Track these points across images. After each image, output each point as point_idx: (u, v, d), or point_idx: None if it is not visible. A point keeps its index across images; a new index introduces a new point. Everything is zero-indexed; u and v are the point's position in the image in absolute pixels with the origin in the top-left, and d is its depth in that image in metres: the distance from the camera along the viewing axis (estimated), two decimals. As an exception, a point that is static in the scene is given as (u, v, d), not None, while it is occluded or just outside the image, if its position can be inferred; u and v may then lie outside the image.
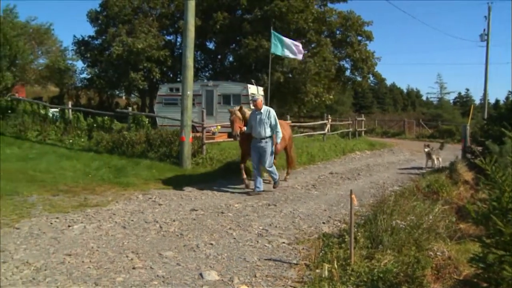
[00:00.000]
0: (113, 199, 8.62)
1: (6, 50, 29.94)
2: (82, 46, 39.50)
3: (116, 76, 36.37)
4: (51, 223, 6.94)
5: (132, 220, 7.21)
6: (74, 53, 39.32)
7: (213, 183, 10.79)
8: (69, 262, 5.29)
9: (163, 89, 26.58)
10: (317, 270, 4.96)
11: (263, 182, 10.32)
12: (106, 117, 16.25)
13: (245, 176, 10.20)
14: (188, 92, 12.29)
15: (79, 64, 66.04)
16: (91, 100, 43.39)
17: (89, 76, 39.26)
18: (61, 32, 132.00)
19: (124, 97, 47.37)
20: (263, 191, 9.85)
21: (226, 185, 10.59)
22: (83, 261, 5.31)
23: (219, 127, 19.54)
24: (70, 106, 18.40)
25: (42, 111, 18.05)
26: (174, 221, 7.23)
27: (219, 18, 34.07)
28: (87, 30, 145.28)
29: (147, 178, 10.77)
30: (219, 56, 39.93)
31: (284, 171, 12.10)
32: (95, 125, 15.91)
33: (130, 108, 20.24)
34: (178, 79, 34.63)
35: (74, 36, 39.86)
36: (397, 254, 5.16)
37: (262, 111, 9.70)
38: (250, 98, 24.52)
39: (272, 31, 21.43)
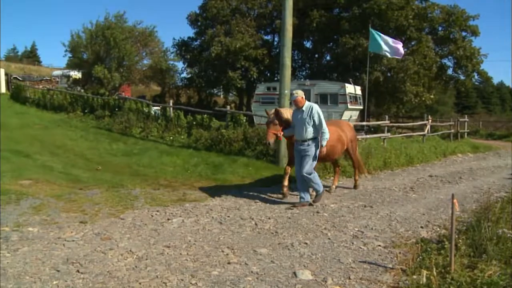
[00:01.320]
0: (210, 195, 8.86)
1: (115, 53, 31.89)
2: (183, 47, 41.09)
3: (215, 75, 37.43)
4: (152, 216, 7.29)
5: (228, 216, 7.36)
6: (175, 54, 40.95)
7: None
8: (167, 253, 5.51)
9: (261, 88, 26.94)
10: (414, 276, 4.76)
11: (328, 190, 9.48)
12: (205, 115, 16.74)
13: (286, 183, 8.98)
14: (286, 91, 12.33)
15: (180, 65, 68.70)
16: (190, 98, 44.92)
17: (189, 76, 40.74)
18: (163, 34, 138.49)
19: (222, 96, 48.59)
20: (309, 203, 8.32)
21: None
22: (180, 253, 5.51)
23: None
24: (171, 104, 19.16)
25: (146, 109, 18.98)
26: (269, 218, 7.29)
27: (316, 17, 33.84)
28: (187, 31, 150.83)
29: (244, 176, 10.95)
30: (316, 55, 39.71)
31: (346, 179, 11.64)
32: (194, 123, 16.45)
33: (228, 107, 20.73)
34: (276, 78, 34.90)
35: (174, 38, 41.45)
36: (503, 266, 4.81)
37: (303, 108, 8.30)
38: (347, 97, 24.21)
39: (370, 29, 20.95)
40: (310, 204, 8.30)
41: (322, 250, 5.76)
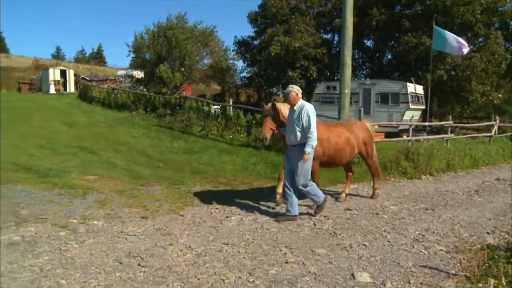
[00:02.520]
0: (269, 194, 8.88)
1: (176, 52, 32.59)
2: (242, 46, 41.44)
3: (274, 74, 37.53)
4: (211, 213, 7.40)
5: (287, 215, 7.36)
6: (235, 53, 41.35)
7: (368, 183, 10.55)
8: (226, 250, 5.58)
9: (320, 87, 26.76)
10: (479, 285, 4.57)
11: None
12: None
13: (280, 190, 8.02)
14: (346, 91, 12.18)
15: (240, 64, 69.33)
16: (250, 97, 45.20)
17: (248, 75, 41.06)
18: (224, 33, 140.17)
19: (281, 95, 48.60)
20: (297, 216, 7.17)
21: (381, 186, 10.28)
22: (239, 251, 5.56)
23: (376, 126, 19.06)
24: (231, 103, 19.35)
25: (206, 108, 19.28)
26: (328, 219, 7.23)
27: (376, 15, 33.11)
28: (247, 30, 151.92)
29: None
30: (377, 54, 38.94)
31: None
32: (254, 121, 16.53)
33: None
34: (335, 78, 34.57)
35: (235, 36, 41.97)
36: None
37: (295, 107, 7.15)
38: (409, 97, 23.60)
39: (434, 26, 20.33)
40: (297, 216, 7.19)
41: (381, 253, 5.65)
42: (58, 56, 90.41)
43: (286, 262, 5.20)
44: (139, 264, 5.04)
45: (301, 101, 7.20)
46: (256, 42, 41.23)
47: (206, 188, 9.34)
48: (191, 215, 7.20)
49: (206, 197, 8.50)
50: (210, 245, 5.77)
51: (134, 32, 47.28)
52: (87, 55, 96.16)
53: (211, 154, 13.42)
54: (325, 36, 39.45)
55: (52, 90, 37.39)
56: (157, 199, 8.19)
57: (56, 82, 38.66)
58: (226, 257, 5.35)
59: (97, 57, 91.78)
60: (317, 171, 8.03)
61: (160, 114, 21.16)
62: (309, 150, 6.91)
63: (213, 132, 17.23)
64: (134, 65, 38.99)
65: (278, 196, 8.03)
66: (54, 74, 39.22)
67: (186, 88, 36.13)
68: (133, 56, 36.67)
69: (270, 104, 7.70)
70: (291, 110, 7.22)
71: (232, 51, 40.50)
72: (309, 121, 6.93)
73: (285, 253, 5.52)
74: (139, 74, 38.77)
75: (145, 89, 31.52)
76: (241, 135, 16.23)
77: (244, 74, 42.32)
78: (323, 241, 6.08)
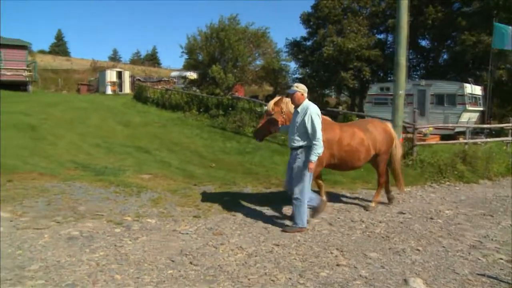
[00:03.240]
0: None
1: (229, 54, 32.90)
2: (295, 47, 41.35)
3: (327, 75, 37.23)
4: (263, 214, 7.44)
5: (339, 218, 7.29)
6: (287, 55, 41.33)
7: (422, 186, 10.30)
8: (277, 251, 5.59)
9: (374, 89, 26.35)
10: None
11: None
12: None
13: (322, 196, 7.79)
14: (400, 92, 11.93)
15: (292, 65, 69.21)
16: (302, 99, 45.02)
17: (301, 76, 40.90)
18: (276, 34, 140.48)
19: (333, 96, 48.18)
20: (305, 227, 6.59)
21: (436, 190, 10.02)
22: (289, 252, 5.56)
23: (431, 128, 18.59)
24: (283, 104, 19.32)
25: (258, 109, 19.34)
26: (380, 222, 7.11)
27: (431, 13, 32.13)
28: (300, 31, 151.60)
29: (355, 177, 10.75)
30: (432, 54, 37.90)
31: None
32: (305, 122, 16.41)
33: (340, 107, 20.52)
34: (389, 78, 33.92)
35: (287, 38, 41.94)
36: None
37: (299, 109, 6.59)
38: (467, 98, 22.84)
39: (495, 23, 19.60)
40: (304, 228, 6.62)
41: (435, 259, 5.50)
42: (114, 58, 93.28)
43: (337, 265, 5.16)
44: (190, 263, 5.13)
45: (305, 102, 6.60)
46: (308, 43, 41.07)
47: (258, 189, 9.39)
48: (243, 215, 7.26)
49: (257, 198, 8.54)
50: (261, 246, 5.80)
51: (186, 34, 48.03)
52: (142, 57, 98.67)
53: (263, 155, 13.47)
54: (379, 36, 38.81)
55: (109, 91, 38.58)
56: (209, 198, 8.30)
57: (113, 83, 39.86)
58: (276, 258, 5.36)
59: (152, 59, 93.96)
60: (317, 174, 7.68)
61: (213, 115, 21.39)
62: (314, 158, 6.34)
63: (265, 133, 17.24)
64: (187, 67, 39.67)
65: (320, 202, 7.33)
66: (110, 75, 40.46)
67: (239, 89, 36.44)
68: (186, 57, 37.29)
69: (275, 100, 7.27)
70: (295, 111, 6.68)
71: (284, 52, 40.52)
72: (313, 125, 6.33)
73: (336, 256, 5.47)
74: (192, 75, 39.37)
75: (198, 90, 31.97)
76: (293, 136, 16.16)
77: (296, 75, 42.24)
78: (375, 244, 5.99)
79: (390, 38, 38.28)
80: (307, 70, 39.39)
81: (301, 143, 6.48)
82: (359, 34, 34.62)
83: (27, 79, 34.13)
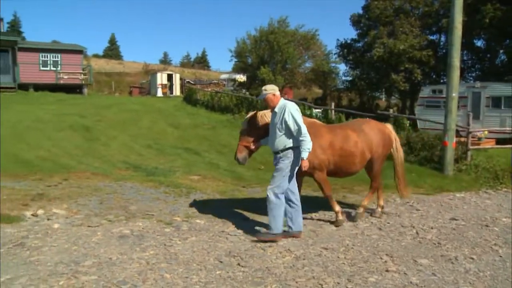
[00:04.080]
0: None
1: (278, 56, 32.96)
2: (345, 49, 40.95)
3: (377, 77, 36.68)
4: (311, 217, 7.42)
5: (388, 223, 7.15)
6: (337, 57, 41.01)
7: (476, 192, 9.95)
8: (325, 255, 5.54)
9: (425, 91, 25.74)
10: None
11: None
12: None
13: (336, 208, 7.07)
14: (453, 94, 11.59)
15: (342, 67, 68.79)
16: (352, 101, 44.61)
17: (350, 78, 40.49)
18: (326, 37, 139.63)
19: (384, 99, 47.43)
20: (300, 232, 6.34)
21: (492, 197, 9.65)
22: (338, 257, 5.49)
23: (486, 132, 17.97)
24: (332, 107, 19.19)
25: (307, 112, 19.25)
26: (432, 228, 6.91)
27: (489, 11, 30.76)
28: (350, 33, 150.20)
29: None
30: (488, 55, 36.59)
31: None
32: (355, 126, 16.18)
33: (390, 110, 20.15)
34: (442, 81, 33.05)
35: (337, 39, 41.65)
36: None
37: (276, 110, 6.16)
38: None
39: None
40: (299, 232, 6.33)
41: (491, 268, 5.27)
42: (165, 61, 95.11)
43: (387, 271, 5.05)
44: (238, 264, 5.15)
45: (281, 102, 6.17)
46: (358, 45, 40.60)
47: (307, 192, 9.33)
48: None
49: (306, 200, 8.48)
50: (309, 249, 5.76)
51: (236, 38, 48.54)
52: (192, 60, 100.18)
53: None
54: (431, 37, 37.83)
55: (160, 93, 39.37)
56: (258, 200, 8.32)
57: (163, 86, 40.64)
58: (325, 261, 5.31)
59: (201, 62, 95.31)
60: (327, 181, 6.99)
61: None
62: (306, 155, 5.96)
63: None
64: (236, 69, 40.02)
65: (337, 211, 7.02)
66: (161, 78, 41.27)
67: (288, 91, 36.38)
68: (236, 60, 37.64)
69: (250, 114, 6.81)
70: (273, 114, 6.25)
71: (334, 54, 40.23)
72: (295, 121, 5.92)
73: (385, 261, 5.36)
74: (241, 77, 39.70)
75: (247, 92, 32.18)
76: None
77: (346, 77, 41.86)
78: (426, 251, 5.82)
79: (443, 39, 37.28)
80: (357, 72, 38.93)
81: (284, 145, 6.06)
82: (411, 35, 33.87)
83: (83, 82, 35.39)
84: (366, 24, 39.04)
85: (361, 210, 7.40)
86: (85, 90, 35.12)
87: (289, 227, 6.30)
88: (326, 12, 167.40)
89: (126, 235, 6.15)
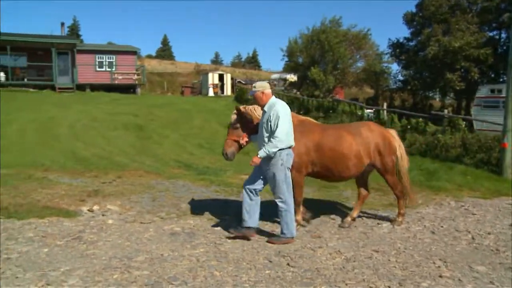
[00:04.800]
0: (423, 203, 8.45)
1: (329, 56, 32.68)
2: (397, 48, 40.10)
3: (431, 77, 35.72)
4: (362, 218, 7.30)
5: (442, 227, 6.93)
6: (389, 56, 40.25)
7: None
8: (376, 258, 5.44)
9: (483, 91, 24.82)
10: None
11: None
12: (420, 119, 16.00)
13: (300, 213, 6.80)
14: (514, 94, 11.12)
15: (394, 67, 67.61)
16: (404, 101, 43.66)
17: (403, 78, 39.64)
18: (378, 36, 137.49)
19: (438, 99, 46.15)
20: (293, 237, 6.03)
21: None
22: (389, 260, 5.38)
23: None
24: (384, 107, 18.86)
25: (359, 112, 19.00)
26: (489, 234, 6.63)
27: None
28: (402, 32, 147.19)
29: (461, 184, 10.17)
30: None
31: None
32: (408, 126, 15.85)
33: (445, 111, 19.60)
34: (501, 79, 31.84)
35: (389, 39, 40.83)
36: None
37: (265, 108, 5.97)
38: None
39: None
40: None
41: (554, 278, 5.01)
42: (216, 61, 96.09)
43: (440, 276, 4.89)
44: (288, 264, 5.13)
45: (272, 100, 5.96)
46: (411, 44, 39.67)
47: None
48: (342, 219, 7.14)
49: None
50: (359, 251, 5.67)
51: (288, 37, 48.47)
52: (243, 60, 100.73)
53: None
54: (490, 34, 36.42)
55: (211, 93, 39.81)
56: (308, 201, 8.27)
57: (215, 86, 41.06)
58: (375, 264, 5.21)
59: (252, 62, 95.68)
60: (300, 185, 6.63)
61: (314, 117, 21.30)
62: (262, 154, 5.71)
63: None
64: (287, 69, 39.96)
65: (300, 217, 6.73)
66: (213, 78, 41.72)
67: (339, 91, 36.12)
68: (287, 60, 37.58)
69: (241, 107, 6.52)
70: (263, 112, 6.04)
71: (386, 53, 39.50)
72: (277, 122, 5.68)
73: (439, 266, 5.19)
74: (292, 77, 39.61)
75: (298, 92, 32.09)
76: (395, 140, 15.63)
77: (399, 77, 41.00)
78: (483, 257, 5.59)
79: (504, 35, 35.76)
80: (410, 72, 38.03)
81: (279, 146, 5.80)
82: (468, 32, 32.74)
83: (136, 82, 36.33)
84: (420, 22, 38.06)
85: (400, 218, 7.04)
86: (139, 90, 36.04)
87: (282, 232, 6.03)
88: (378, 11, 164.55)
89: (177, 232, 6.26)
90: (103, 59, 36.14)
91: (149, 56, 77.67)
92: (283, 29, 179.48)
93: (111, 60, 36.35)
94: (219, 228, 6.54)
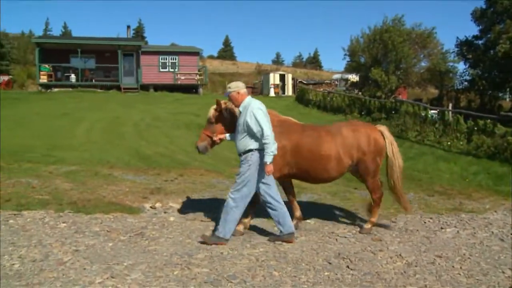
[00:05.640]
0: (491, 208, 8.10)
1: (392, 56, 32.00)
2: (465, 47, 38.60)
3: (501, 76, 34.13)
4: (425, 222, 7.08)
5: (512, 234, 6.61)
6: (456, 55, 38.83)
7: None
8: (439, 263, 5.26)
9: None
10: None
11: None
12: (488, 120, 15.35)
13: (297, 213, 6.72)
14: None
15: (460, 66, 65.30)
16: (471, 102, 42.02)
17: (470, 78, 38.13)
18: (443, 35, 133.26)
19: (508, 99, 44.10)
20: (224, 240, 5.75)
21: None
22: (453, 266, 5.18)
23: None
24: (450, 108, 18.25)
25: (422, 113, 18.48)
26: None
27: None
28: (470, 31, 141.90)
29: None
30: None
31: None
32: (475, 128, 15.24)
33: (516, 112, 18.74)
34: None
35: (457, 38, 39.29)
36: None
37: (241, 108, 5.84)
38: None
39: None
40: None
41: None
42: (277, 61, 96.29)
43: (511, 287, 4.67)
44: (347, 266, 5.07)
45: (247, 100, 5.81)
46: (480, 42, 38.06)
47: (419, 196, 8.96)
48: (403, 223, 6.99)
49: (419, 205, 8.15)
50: (421, 256, 5.50)
51: (350, 36, 47.80)
52: (304, 60, 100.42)
53: (426, 161, 12.84)
54: None
55: (272, 93, 39.94)
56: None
57: (276, 86, 41.17)
58: (438, 270, 5.04)
59: (314, 62, 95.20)
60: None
61: (375, 118, 20.96)
62: (269, 159, 5.47)
63: (430, 138, 16.39)
64: (349, 69, 39.49)
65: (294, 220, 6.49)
66: (274, 78, 41.86)
67: (402, 91, 35.22)
68: (348, 60, 37.14)
69: (222, 102, 6.19)
70: (239, 113, 5.89)
71: (452, 52, 38.15)
72: (257, 122, 5.52)
73: (508, 276, 4.94)
74: (354, 77, 39.11)
75: (360, 93, 31.66)
76: (460, 142, 15.10)
77: (465, 77, 39.45)
78: (557, 268, 5.28)
79: None
80: (478, 71, 36.48)
81: (250, 146, 5.67)
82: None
83: (198, 82, 37.04)
84: (491, 19, 36.42)
85: (369, 226, 6.58)
86: (201, 90, 36.75)
87: (280, 231, 5.95)
88: (444, 9, 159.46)
89: (236, 231, 6.31)
90: (166, 60, 37.12)
91: (211, 57, 78.97)
92: (345, 28, 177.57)
93: (174, 61, 37.26)
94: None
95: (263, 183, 5.80)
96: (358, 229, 6.58)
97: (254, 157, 5.64)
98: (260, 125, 5.50)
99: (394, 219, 7.19)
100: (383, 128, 6.86)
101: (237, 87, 5.85)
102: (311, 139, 6.32)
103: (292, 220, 6.22)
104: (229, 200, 5.76)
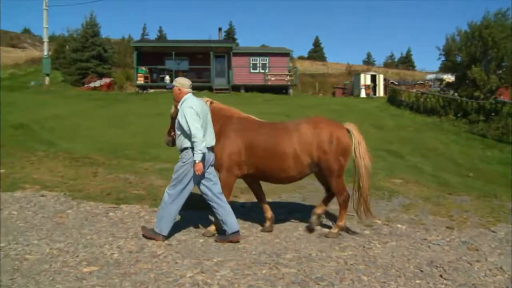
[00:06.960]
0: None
1: (493, 53, 30.21)
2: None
3: None
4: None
5: None
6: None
7: None
8: None
9: None
10: None
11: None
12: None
13: (268, 214, 6.42)
14: None
15: None
16: None
17: None
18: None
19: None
20: (159, 236, 5.71)
21: None
22: None
23: None
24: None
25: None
26: None
27: None
28: None
29: None
30: None
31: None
32: None
33: None
34: None
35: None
36: None
37: (178, 106, 5.69)
38: None
39: None
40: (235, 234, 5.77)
41: None
42: (368, 62, 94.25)
43: None
44: (440, 276, 4.85)
45: (184, 97, 5.67)
46: None
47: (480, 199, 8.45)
48: (505, 233, 6.51)
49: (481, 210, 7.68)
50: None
51: (445, 34, 45.73)
52: (395, 60, 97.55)
53: None
54: None
55: (363, 94, 39.18)
56: (465, 210, 7.74)
57: (367, 87, 40.35)
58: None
59: (406, 62, 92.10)
60: (229, 187, 6.12)
61: (472, 120, 19.88)
62: (198, 157, 5.34)
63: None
64: (444, 69, 37.80)
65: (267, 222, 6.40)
66: (365, 79, 41.04)
67: (503, 92, 33.15)
68: (443, 59, 35.58)
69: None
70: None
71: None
72: (186, 120, 5.39)
73: None
74: (449, 77, 37.43)
75: (455, 94, 30.22)
76: None
77: None
78: None
79: None
80: None
81: (185, 145, 5.56)
82: None
83: (288, 83, 37.24)
84: None
85: (335, 230, 6.24)
86: (291, 91, 36.89)
87: (224, 231, 5.79)
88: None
89: (325, 233, 6.25)
90: (256, 61, 37.67)
91: (301, 58, 78.94)
92: (439, 26, 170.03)
93: (265, 62, 37.72)
94: (368, 232, 6.42)
95: (206, 179, 5.73)
96: (452, 236, 6.28)
97: (188, 155, 5.57)
98: (187, 124, 5.40)
99: (493, 229, 6.75)
100: (351, 127, 6.45)
101: (181, 84, 5.79)
102: (266, 137, 6.07)
103: (265, 221, 6.36)
104: (165, 196, 5.74)
